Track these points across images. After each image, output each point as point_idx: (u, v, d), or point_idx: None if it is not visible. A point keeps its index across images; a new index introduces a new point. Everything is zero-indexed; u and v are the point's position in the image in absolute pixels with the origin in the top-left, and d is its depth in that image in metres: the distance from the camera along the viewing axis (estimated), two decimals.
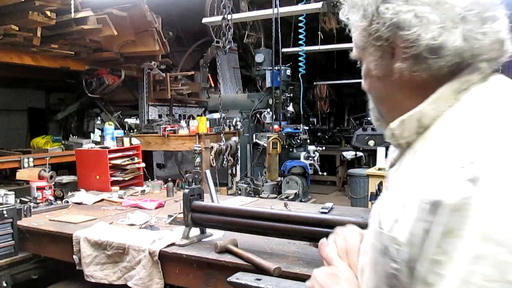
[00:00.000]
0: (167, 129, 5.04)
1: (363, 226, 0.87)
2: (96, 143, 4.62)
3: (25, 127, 5.99)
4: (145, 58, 5.21)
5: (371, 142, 6.82)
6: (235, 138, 5.21)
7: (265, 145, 5.85)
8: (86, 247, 2.49)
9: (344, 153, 8.35)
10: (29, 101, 6.04)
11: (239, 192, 5.51)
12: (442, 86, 0.70)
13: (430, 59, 0.68)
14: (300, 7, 5.50)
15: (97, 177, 3.91)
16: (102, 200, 3.60)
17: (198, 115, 6.37)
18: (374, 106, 0.83)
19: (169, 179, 4.12)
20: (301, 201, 5.67)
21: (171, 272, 2.29)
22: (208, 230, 2.47)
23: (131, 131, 5.23)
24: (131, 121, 5.48)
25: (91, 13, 4.04)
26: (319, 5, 5.11)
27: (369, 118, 4.63)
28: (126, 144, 4.19)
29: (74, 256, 2.52)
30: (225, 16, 4.54)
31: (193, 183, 2.55)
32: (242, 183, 5.93)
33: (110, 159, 3.93)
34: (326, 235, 0.91)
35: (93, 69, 5.11)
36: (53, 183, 3.63)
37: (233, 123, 5.73)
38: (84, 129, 6.00)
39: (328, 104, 10.88)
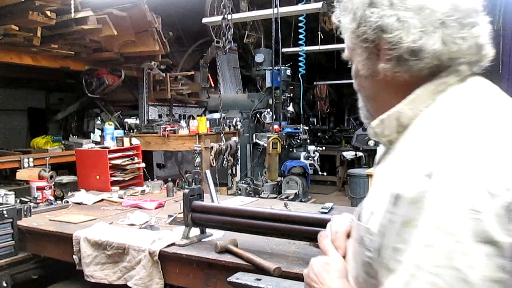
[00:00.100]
0: (167, 129, 5.03)
1: None
2: (96, 143, 4.61)
3: (25, 127, 5.98)
4: (145, 58, 5.20)
5: (371, 142, 6.80)
6: (235, 138, 5.21)
7: (265, 145, 5.85)
8: (86, 247, 2.49)
9: (344, 153, 8.36)
10: (29, 101, 6.03)
11: (239, 192, 5.51)
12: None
13: (410, 60, 0.73)
14: (300, 7, 5.50)
15: (97, 177, 3.91)
16: (102, 200, 3.60)
17: (198, 115, 6.37)
18: (363, 105, 0.88)
19: (169, 179, 4.11)
20: (301, 201, 5.66)
21: (171, 272, 2.29)
22: (208, 230, 2.47)
23: (131, 131, 5.23)
24: (131, 121, 5.47)
25: (91, 13, 4.03)
26: (319, 5, 5.11)
27: None
28: (126, 144, 4.19)
29: (74, 256, 2.52)
30: (225, 16, 4.54)
31: (193, 183, 2.55)
32: (242, 183, 5.92)
33: (110, 159, 3.93)
34: None
35: (93, 69, 5.11)
36: (53, 183, 3.63)
37: (233, 123, 5.72)
38: (84, 129, 5.99)
39: (328, 104, 10.88)
